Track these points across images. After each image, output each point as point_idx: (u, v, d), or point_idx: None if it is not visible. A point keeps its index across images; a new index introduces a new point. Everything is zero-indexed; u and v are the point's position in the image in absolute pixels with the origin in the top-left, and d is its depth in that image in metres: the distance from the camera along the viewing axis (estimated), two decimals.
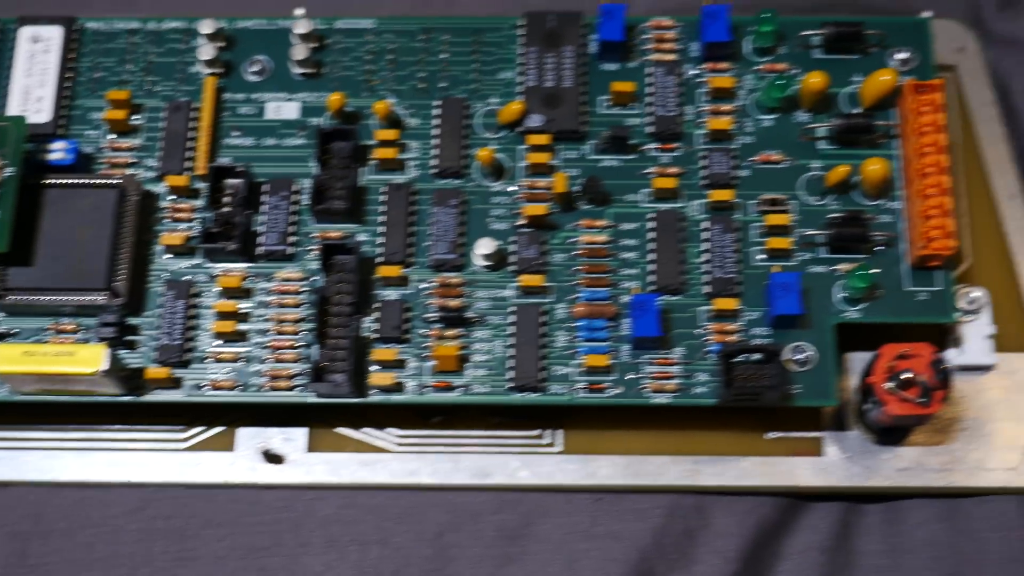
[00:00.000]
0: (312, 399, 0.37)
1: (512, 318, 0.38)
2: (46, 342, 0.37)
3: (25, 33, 0.41)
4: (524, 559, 0.39)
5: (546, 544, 0.39)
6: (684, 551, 0.39)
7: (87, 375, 0.35)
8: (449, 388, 0.38)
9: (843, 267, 0.39)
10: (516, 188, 0.40)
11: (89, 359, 0.35)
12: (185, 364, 0.38)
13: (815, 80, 0.40)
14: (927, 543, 0.40)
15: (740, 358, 0.37)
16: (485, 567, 0.39)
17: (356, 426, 0.40)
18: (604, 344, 0.38)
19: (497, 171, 0.40)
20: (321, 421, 0.40)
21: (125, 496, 0.40)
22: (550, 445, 0.40)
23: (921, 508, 0.40)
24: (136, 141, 0.40)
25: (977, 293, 0.40)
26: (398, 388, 0.37)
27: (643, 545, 0.39)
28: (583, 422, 0.40)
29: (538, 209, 0.39)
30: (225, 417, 0.40)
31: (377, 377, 0.37)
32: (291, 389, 0.37)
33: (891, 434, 0.40)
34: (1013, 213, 0.42)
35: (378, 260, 0.38)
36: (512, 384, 0.37)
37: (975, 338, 0.40)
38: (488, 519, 0.39)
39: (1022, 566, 0.39)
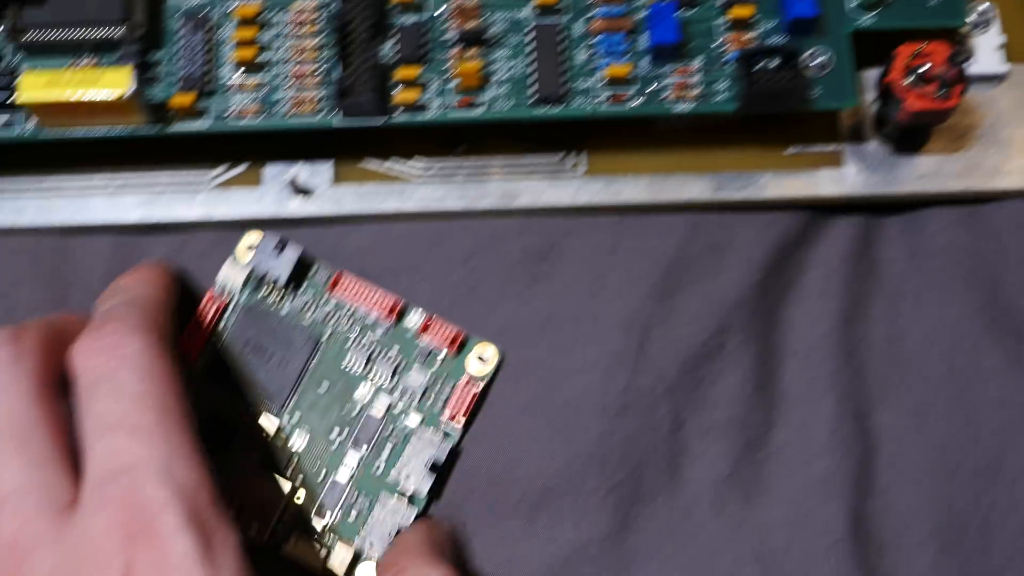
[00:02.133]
0: (337, 122, 0.38)
1: (531, 36, 0.38)
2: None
3: None
4: (551, 278, 0.40)
5: (572, 263, 0.40)
6: (709, 263, 0.40)
7: (114, 100, 0.36)
8: (472, 106, 0.38)
9: None
10: None
11: (115, 81, 0.36)
12: (208, 95, 0.38)
13: None
14: (948, 247, 0.40)
15: (759, 63, 0.37)
16: (513, 287, 0.40)
17: (381, 158, 0.40)
18: (624, 57, 0.38)
19: None
20: (345, 154, 0.40)
21: (161, 240, 0.40)
22: (573, 167, 0.40)
23: (941, 214, 0.41)
24: None
25: (985, 5, 0.41)
26: (422, 108, 0.38)
27: (667, 260, 0.40)
28: (605, 144, 0.40)
29: None
30: (250, 154, 0.40)
31: (401, 95, 0.37)
32: (316, 113, 0.38)
33: (909, 141, 0.40)
34: None
35: None
36: (535, 99, 0.38)
37: (986, 49, 0.41)
38: (514, 241, 0.40)
39: None
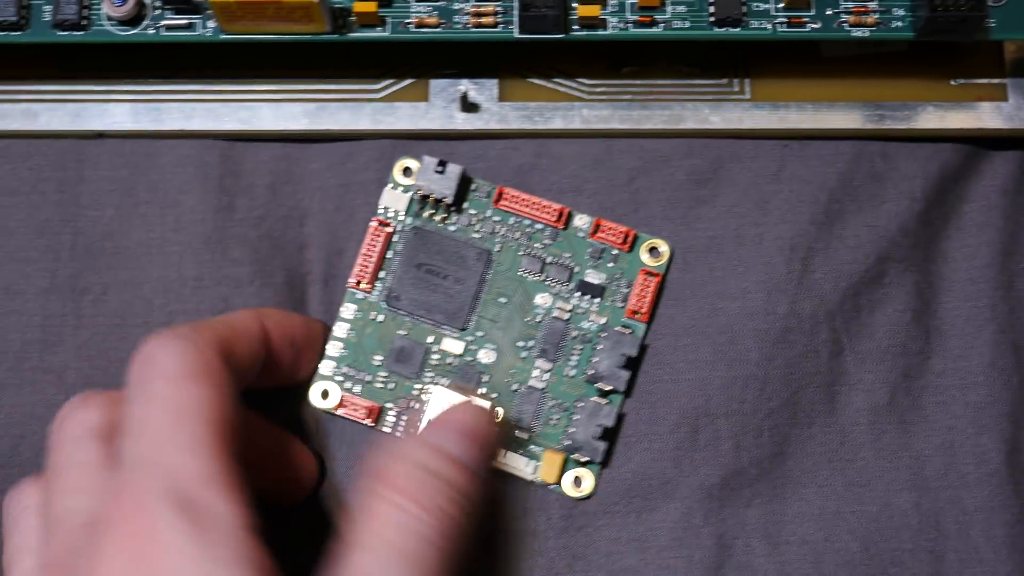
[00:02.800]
0: (515, 35, 0.38)
1: None
2: None
3: None
4: (715, 201, 0.40)
5: (736, 187, 0.40)
6: (871, 192, 0.40)
7: (301, 3, 0.36)
8: (652, 24, 0.38)
9: None
10: None
11: None
12: (389, 3, 0.38)
13: None
14: None
15: None
16: (677, 209, 0.40)
17: (546, 76, 0.40)
18: None
19: None
20: (512, 72, 0.40)
21: (326, 151, 0.40)
22: (739, 93, 0.40)
23: None
24: None
25: None
26: (602, 24, 0.38)
27: (831, 187, 0.40)
28: (770, 69, 0.40)
29: None
30: (414, 68, 0.40)
31: (583, 10, 0.37)
32: (495, 26, 0.38)
33: None
34: None
35: None
36: (713, 19, 0.38)
37: None
38: (679, 163, 0.40)
39: None
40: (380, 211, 0.40)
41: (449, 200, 0.39)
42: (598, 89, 0.40)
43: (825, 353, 0.39)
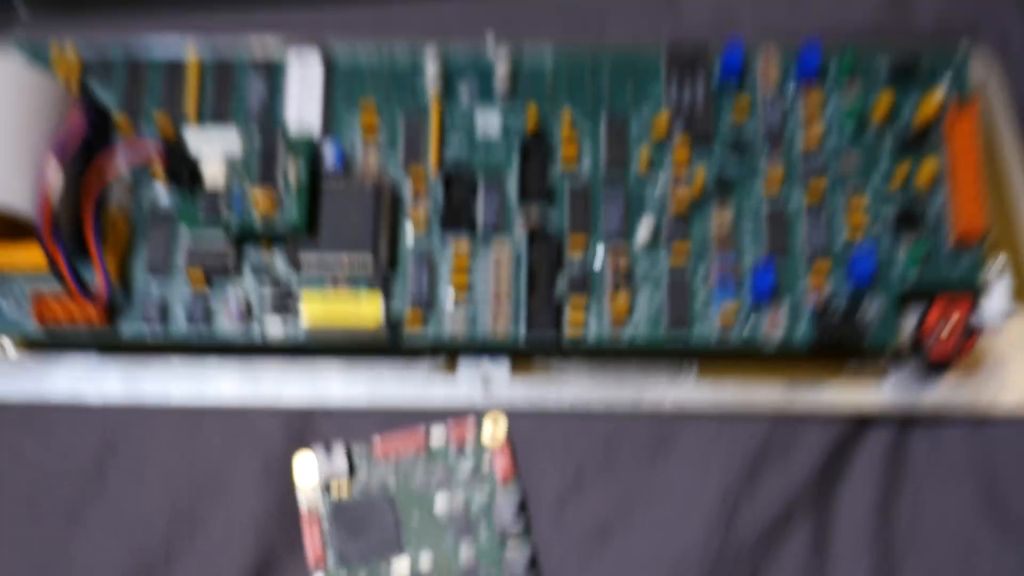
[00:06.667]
0: (522, 344, 0.51)
1: (665, 279, 0.52)
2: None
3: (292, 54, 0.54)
4: (669, 457, 0.54)
5: (685, 448, 0.54)
6: (783, 456, 0.54)
7: (371, 329, 0.49)
8: (622, 328, 0.52)
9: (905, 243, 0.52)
10: (664, 181, 0.53)
11: (370, 306, 0.49)
12: (429, 307, 0.51)
13: (883, 99, 0.53)
14: (958, 457, 0.55)
15: (831, 310, 0.51)
16: (640, 461, 0.53)
17: (548, 356, 0.54)
18: (733, 299, 0.52)
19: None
20: (519, 352, 0.54)
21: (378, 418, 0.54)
22: (688, 373, 0.54)
23: (954, 428, 0.55)
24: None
25: (1001, 259, 0.54)
26: (584, 338, 0.51)
27: (754, 452, 0.54)
28: (711, 357, 0.54)
29: (683, 198, 0.52)
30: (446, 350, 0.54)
31: (572, 317, 0.51)
32: (508, 326, 0.51)
33: (938, 368, 0.54)
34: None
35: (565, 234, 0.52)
36: (667, 326, 0.52)
37: (1000, 291, 0.52)
38: (642, 428, 0.54)
39: None
40: (306, 512, 0.52)
41: (347, 473, 0.52)
42: (583, 369, 0.54)
43: None
